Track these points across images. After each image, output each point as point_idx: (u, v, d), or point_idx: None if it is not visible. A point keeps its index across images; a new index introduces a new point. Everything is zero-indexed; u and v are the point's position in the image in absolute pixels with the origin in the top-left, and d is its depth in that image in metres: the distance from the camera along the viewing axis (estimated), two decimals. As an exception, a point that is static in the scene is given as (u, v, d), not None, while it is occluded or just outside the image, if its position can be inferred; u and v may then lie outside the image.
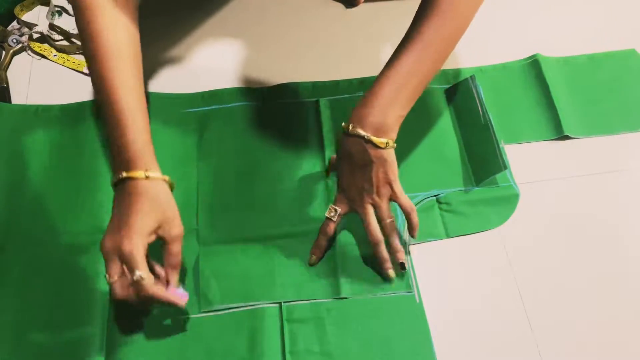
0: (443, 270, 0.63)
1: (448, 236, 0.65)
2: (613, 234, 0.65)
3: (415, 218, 0.61)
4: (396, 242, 0.61)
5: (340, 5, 0.83)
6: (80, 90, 0.74)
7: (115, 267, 0.53)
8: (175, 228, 0.55)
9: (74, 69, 0.77)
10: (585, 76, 0.76)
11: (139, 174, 0.54)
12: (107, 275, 0.53)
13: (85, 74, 0.76)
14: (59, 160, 0.68)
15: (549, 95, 0.73)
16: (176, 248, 0.55)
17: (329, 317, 0.59)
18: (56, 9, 0.82)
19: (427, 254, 0.64)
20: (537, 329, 0.60)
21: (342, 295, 0.60)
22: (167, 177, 0.56)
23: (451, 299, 0.61)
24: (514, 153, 0.70)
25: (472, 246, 0.64)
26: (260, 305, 0.60)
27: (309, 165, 0.68)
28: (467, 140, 0.70)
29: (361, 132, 0.57)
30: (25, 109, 0.72)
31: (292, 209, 0.65)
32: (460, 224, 0.65)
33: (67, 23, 0.80)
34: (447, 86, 0.75)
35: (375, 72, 0.75)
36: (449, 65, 0.77)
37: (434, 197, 0.67)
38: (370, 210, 0.60)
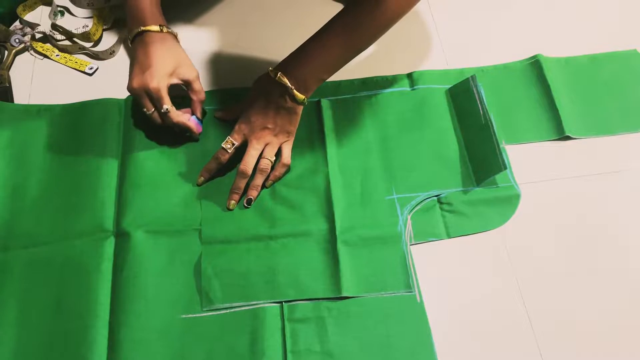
0: (444, 270, 0.63)
1: (449, 236, 0.65)
2: (614, 234, 0.65)
3: (281, 172, 0.67)
4: (258, 182, 0.65)
5: (340, 6, 0.83)
6: (82, 89, 0.75)
7: (147, 102, 0.65)
8: (191, 69, 0.68)
9: (76, 69, 0.77)
10: (586, 77, 0.76)
11: (154, 27, 0.66)
12: (144, 109, 0.65)
13: (87, 74, 0.76)
14: (61, 159, 0.68)
15: (550, 96, 0.73)
16: (197, 85, 0.68)
17: (330, 316, 0.60)
18: (58, 8, 0.82)
19: (428, 254, 0.64)
20: (538, 329, 0.60)
21: (343, 295, 0.60)
22: (175, 32, 0.69)
23: (452, 298, 0.62)
24: (515, 153, 0.70)
25: (473, 246, 0.64)
26: (262, 305, 0.60)
27: (311, 164, 0.69)
28: (467, 141, 0.70)
29: (287, 82, 0.62)
30: (28, 108, 0.73)
31: (294, 209, 0.66)
32: (462, 224, 0.65)
33: (70, 23, 0.80)
34: (448, 86, 0.75)
35: (376, 72, 0.76)
36: (450, 65, 0.78)
37: (435, 198, 0.67)
38: (258, 146, 0.65)
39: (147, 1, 0.68)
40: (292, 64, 0.63)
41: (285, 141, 0.66)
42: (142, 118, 0.70)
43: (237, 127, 0.66)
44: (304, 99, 0.63)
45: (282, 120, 0.65)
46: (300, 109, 0.65)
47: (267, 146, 0.65)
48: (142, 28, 0.66)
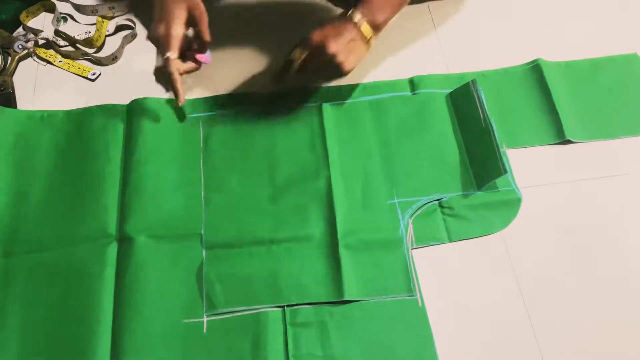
0: (445, 274, 0.63)
1: (451, 240, 0.65)
2: (614, 237, 0.65)
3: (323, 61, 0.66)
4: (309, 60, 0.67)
5: (341, 11, 0.84)
6: (85, 95, 0.75)
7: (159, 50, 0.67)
8: (199, 5, 0.68)
9: (78, 75, 0.77)
10: (586, 80, 0.77)
11: None
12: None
13: (89, 80, 0.77)
14: (64, 165, 0.69)
15: (551, 100, 0.73)
16: (204, 27, 0.69)
17: (332, 321, 0.60)
18: (61, 15, 0.82)
19: (429, 257, 0.64)
20: (540, 333, 0.60)
21: (345, 298, 0.60)
22: None
23: (454, 302, 0.62)
24: (516, 157, 0.70)
25: (474, 250, 0.65)
26: (264, 309, 0.60)
27: (312, 168, 0.69)
28: (468, 145, 0.71)
29: (356, 19, 0.65)
30: (31, 114, 0.73)
31: (295, 213, 0.66)
32: (463, 228, 0.66)
33: (72, 29, 0.81)
34: (448, 90, 0.75)
35: (377, 77, 0.76)
36: (451, 70, 0.78)
37: (436, 202, 0.67)
38: (335, 46, 0.64)
39: None
40: (366, 6, 0.66)
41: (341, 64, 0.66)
42: (145, 123, 0.71)
43: (304, 39, 0.67)
44: (371, 37, 0.66)
45: (353, 46, 0.65)
46: (366, 47, 0.67)
47: (338, 51, 0.65)
48: None
